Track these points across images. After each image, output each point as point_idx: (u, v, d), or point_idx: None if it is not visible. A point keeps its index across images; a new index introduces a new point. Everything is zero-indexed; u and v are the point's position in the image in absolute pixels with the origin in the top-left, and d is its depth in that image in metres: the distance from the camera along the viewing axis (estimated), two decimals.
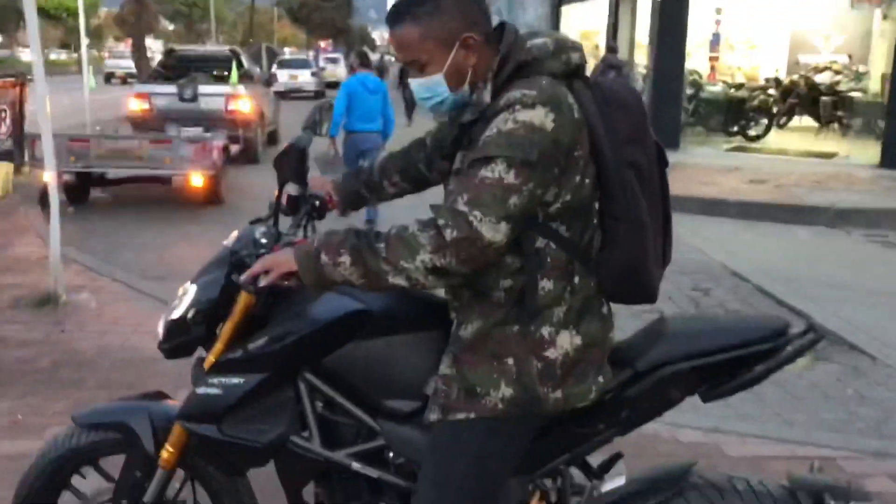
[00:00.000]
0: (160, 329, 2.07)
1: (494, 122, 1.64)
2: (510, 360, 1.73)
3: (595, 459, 2.03)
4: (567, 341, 1.73)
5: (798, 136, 14.96)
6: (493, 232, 1.59)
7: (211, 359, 1.98)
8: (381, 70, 43.20)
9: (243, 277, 1.84)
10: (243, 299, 1.91)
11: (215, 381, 1.95)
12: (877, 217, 8.71)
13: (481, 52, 1.75)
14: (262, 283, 1.78)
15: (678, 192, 9.39)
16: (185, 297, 2.03)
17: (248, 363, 1.93)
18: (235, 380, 1.93)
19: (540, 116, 1.62)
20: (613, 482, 1.97)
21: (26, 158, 9.24)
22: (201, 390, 1.97)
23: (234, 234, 2.10)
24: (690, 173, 10.78)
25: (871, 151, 12.30)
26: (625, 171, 1.73)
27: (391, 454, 1.94)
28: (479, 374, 1.74)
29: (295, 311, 1.94)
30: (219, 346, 1.97)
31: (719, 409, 4.02)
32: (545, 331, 1.72)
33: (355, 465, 1.93)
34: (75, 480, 2.25)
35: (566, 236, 1.72)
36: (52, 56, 60.06)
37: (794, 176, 10.73)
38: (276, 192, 2.10)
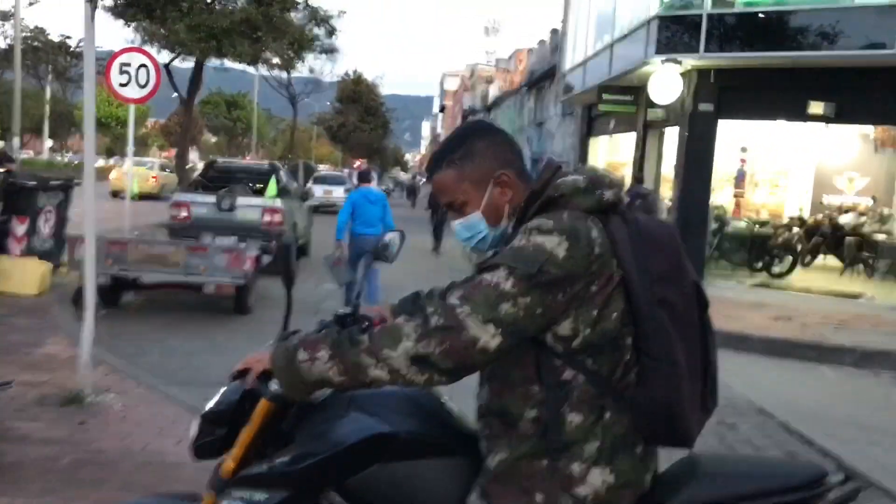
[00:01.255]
0: (192, 428, 2.11)
1: (511, 242, 1.71)
2: (539, 497, 1.70)
3: None
4: (598, 479, 1.70)
5: (822, 276, 14.97)
6: (480, 330, 1.60)
7: (230, 463, 1.99)
8: (413, 190, 44.40)
9: (232, 373, 1.92)
10: (262, 406, 1.94)
11: (239, 494, 1.96)
12: None
13: (516, 188, 1.83)
14: (248, 384, 1.85)
15: None
16: (210, 403, 2.09)
17: (272, 479, 1.93)
18: (259, 496, 1.93)
19: (553, 243, 1.65)
20: None
21: (65, 258, 9.51)
22: (225, 503, 1.98)
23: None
24: (715, 307, 10.49)
25: None
26: (656, 310, 1.71)
27: None
28: None
29: (321, 429, 1.94)
30: (236, 450, 1.98)
31: None
32: (576, 467, 1.69)
33: None
34: None
35: (594, 370, 1.70)
36: (102, 163, 62.42)
37: (819, 315, 10.69)
38: (287, 294, 2.17)
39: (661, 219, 1.95)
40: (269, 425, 1.97)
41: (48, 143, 60.33)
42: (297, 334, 1.91)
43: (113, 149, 66.75)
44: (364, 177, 10.22)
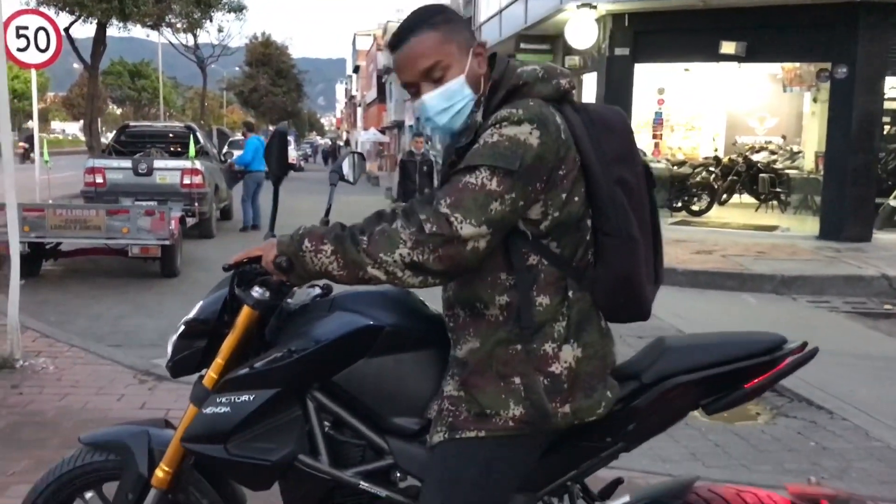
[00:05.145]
0: (168, 348, 2.08)
1: (482, 137, 1.71)
2: (517, 379, 1.75)
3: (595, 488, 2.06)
4: (570, 355, 1.76)
5: (739, 212, 15.54)
6: (472, 232, 1.64)
7: (211, 374, 1.98)
8: (333, 153, 43.86)
9: (230, 261, 1.90)
10: (245, 313, 1.94)
11: (223, 398, 1.94)
12: (820, 284, 9.04)
13: (487, 65, 1.83)
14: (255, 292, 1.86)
15: None
16: (191, 313, 2.04)
17: (258, 380, 1.92)
18: (244, 397, 1.92)
19: (525, 132, 1.67)
20: (618, 501, 2.00)
21: None
22: (209, 410, 1.95)
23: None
24: None
25: (809, 224, 12.88)
26: (613, 189, 1.78)
27: (398, 474, 1.93)
28: (489, 395, 1.76)
29: (304, 330, 1.94)
30: (219, 360, 1.98)
31: (688, 462, 4.10)
32: (548, 347, 1.75)
33: (363, 485, 1.91)
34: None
35: (557, 253, 1.76)
36: None
37: (738, 247, 11.10)
38: (274, 191, 2.13)
39: (610, 106, 1.96)
40: (251, 333, 1.96)
41: None
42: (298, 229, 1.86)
43: (11, 124, 63.47)
44: (249, 127, 16.53)
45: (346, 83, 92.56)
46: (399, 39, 1.81)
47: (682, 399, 1.89)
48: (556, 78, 1.81)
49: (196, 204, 11.39)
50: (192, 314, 2.08)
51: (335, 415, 1.96)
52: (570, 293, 1.77)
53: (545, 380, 1.74)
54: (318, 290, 2.11)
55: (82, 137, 28.38)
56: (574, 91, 1.87)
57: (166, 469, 2.08)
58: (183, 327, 2.07)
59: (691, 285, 9.13)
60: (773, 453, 4.30)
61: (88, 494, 2.27)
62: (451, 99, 1.80)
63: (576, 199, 1.75)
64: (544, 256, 1.75)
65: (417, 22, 1.79)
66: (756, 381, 1.87)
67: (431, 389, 1.90)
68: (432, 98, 1.80)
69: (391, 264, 1.66)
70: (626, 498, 1.99)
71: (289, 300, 2.05)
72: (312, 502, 1.98)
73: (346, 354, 1.91)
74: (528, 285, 1.74)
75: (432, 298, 2.01)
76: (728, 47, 12.24)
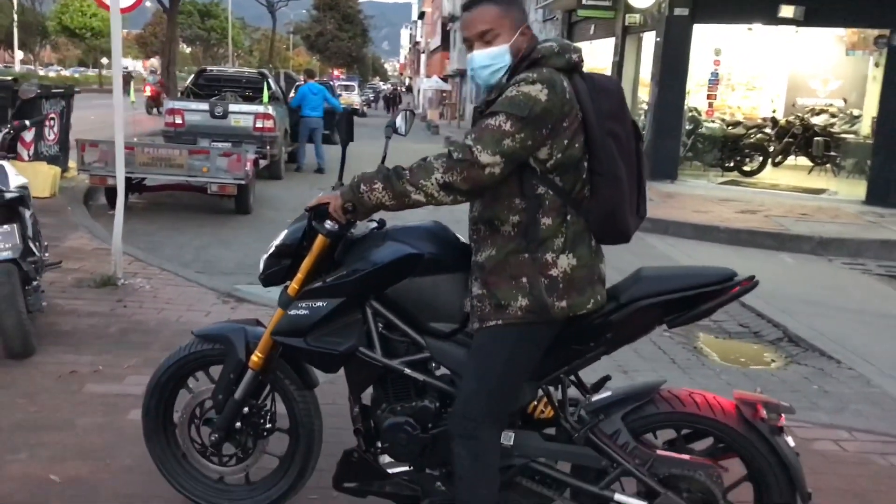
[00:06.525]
0: (261, 263, 2.73)
1: (505, 92, 2.28)
2: (524, 279, 2.31)
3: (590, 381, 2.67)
4: (566, 262, 2.30)
5: (791, 174, 15.67)
6: (489, 160, 2.16)
7: (294, 286, 2.62)
8: (394, 100, 44.19)
9: (309, 206, 2.50)
10: (319, 241, 2.55)
11: (303, 304, 2.59)
12: (857, 247, 9.36)
13: (528, 41, 2.38)
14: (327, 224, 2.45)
15: (675, 218, 10.12)
16: (278, 239, 2.71)
17: (329, 291, 2.57)
18: (319, 303, 2.57)
19: (536, 90, 2.19)
20: (600, 395, 2.62)
21: (72, 163, 9.93)
22: (292, 311, 2.61)
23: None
24: (686, 202, 11.47)
25: (858, 189, 13.01)
26: (606, 139, 2.29)
27: (433, 364, 2.58)
28: (503, 291, 2.35)
29: (364, 255, 2.57)
30: (299, 275, 2.61)
31: None
32: (549, 256, 2.29)
33: (407, 371, 2.56)
34: (190, 381, 2.93)
35: (560, 185, 2.28)
36: (67, 73, 61.17)
37: (783, 208, 11.40)
38: (342, 151, 2.75)
39: (608, 75, 2.57)
40: (324, 256, 2.59)
41: (18, 54, 59.02)
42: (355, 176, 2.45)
43: (86, 60, 65.29)
44: (310, 74, 16.93)
45: (411, 28, 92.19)
46: (470, 3, 2.39)
47: (650, 315, 2.47)
48: (569, 53, 2.36)
49: (267, 147, 12.09)
50: (279, 239, 2.71)
51: (386, 319, 2.59)
52: (569, 217, 2.31)
53: (545, 280, 2.32)
54: (374, 224, 2.72)
55: (146, 76, 29.11)
56: (582, 64, 2.40)
57: (260, 355, 2.73)
58: (273, 249, 2.71)
59: (731, 243, 9.53)
60: (776, 393, 4.75)
61: (199, 374, 2.96)
62: (493, 59, 2.36)
63: (576, 145, 2.29)
64: (549, 188, 2.29)
65: None
66: (708, 304, 2.44)
67: (459, 303, 2.51)
68: (481, 55, 2.37)
69: (429, 187, 2.21)
70: (609, 392, 2.61)
71: (353, 231, 2.65)
72: (369, 383, 2.65)
73: (395, 274, 2.52)
74: (535, 209, 2.29)
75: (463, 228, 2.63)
76: (787, 10, 12.35)
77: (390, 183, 2.28)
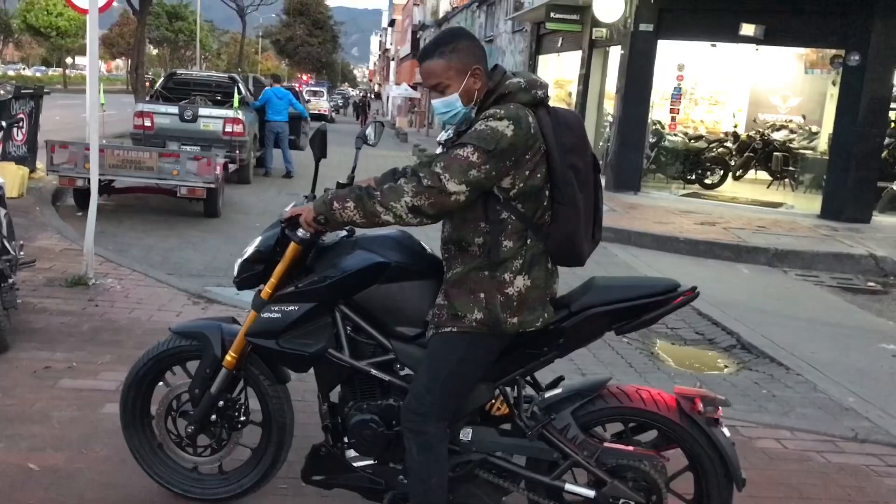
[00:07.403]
0: (235, 268, 2.88)
1: (474, 126, 2.45)
2: (482, 294, 2.50)
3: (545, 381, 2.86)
4: (521, 283, 2.48)
5: (751, 188, 16.07)
6: (455, 188, 2.33)
7: (267, 290, 2.77)
8: (363, 108, 44.24)
9: (283, 217, 2.65)
10: (292, 248, 2.71)
11: (276, 307, 2.75)
12: (811, 259, 9.69)
13: (482, 81, 2.55)
14: (300, 232, 2.59)
15: (637, 229, 10.39)
16: (253, 245, 2.86)
17: (300, 296, 2.73)
18: (291, 307, 2.73)
19: (503, 126, 2.36)
20: (553, 392, 2.80)
21: (40, 164, 9.93)
22: (265, 314, 2.76)
23: (290, 205, 2.92)
24: (648, 213, 11.75)
25: (814, 203, 13.41)
26: (567, 171, 2.48)
27: (398, 366, 2.74)
28: (461, 302, 2.53)
29: (335, 262, 2.73)
30: (272, 280, 2.76)
31: None
32: (507, 276, 2.47)
33: (373, 372, 2.73)
34: (167, 375, 3.07)
35: (522, 211, 2.45)
36: (30, 72, 60.17)
37: (741, 221, 11.71)
38: (315, 166, 2.89)
39: (571, 110, 2.76)
40: (296, 262, 2.74)
41: None
42: (324, 192, 2.62)
43: (49, 59, 64.32)
44: (275, 79, 16.25)
45: (381, 35, 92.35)
46: (421, 58, 2.58)
47: (599, 323, 2.65)
48: (535, 89, 2.53)
49: (236, 151, 12.16)
50: (253, 245, 2.86)
51: (355, 322, 2.75)
52: (529, 241, 2.51)
53: (501, 297, 2.50)
54: (344, 233, 2.87)
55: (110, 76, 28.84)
56: (548, 99, 2.59)
57: (233, 355, 2.88)
58: (247, 254, 2.85)
59: (690, 253, 9.80)
60: (728, 397, 5.07)
61: (176, 368, 3.09)
62: (447, 107, 2.55)
63: (538, 175, 2.48)
64: (512, 213, 2.48)
65: (433, 48, 2.54)
66: (652, 313, 2.65)
67: (423, 308, 2.68)
68: (437, 104, 2.58)
69: (398, 209, 2.37)
70: (559, 390, 2.79)
71: (323, 239, 2.81)
72: (337, 382, 2.81)
73: (363, 281, 2.69)
74: (498, 232, 2.48)
75: (433, 242, 2.80)
76: (747, 29, 12.73)
77: (362, 203, 2.44)
